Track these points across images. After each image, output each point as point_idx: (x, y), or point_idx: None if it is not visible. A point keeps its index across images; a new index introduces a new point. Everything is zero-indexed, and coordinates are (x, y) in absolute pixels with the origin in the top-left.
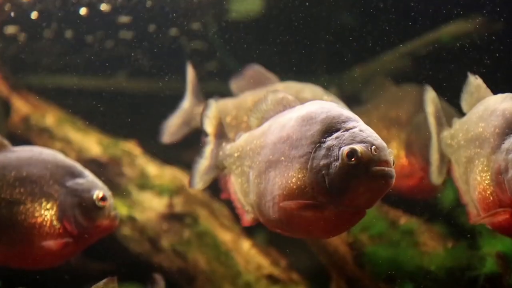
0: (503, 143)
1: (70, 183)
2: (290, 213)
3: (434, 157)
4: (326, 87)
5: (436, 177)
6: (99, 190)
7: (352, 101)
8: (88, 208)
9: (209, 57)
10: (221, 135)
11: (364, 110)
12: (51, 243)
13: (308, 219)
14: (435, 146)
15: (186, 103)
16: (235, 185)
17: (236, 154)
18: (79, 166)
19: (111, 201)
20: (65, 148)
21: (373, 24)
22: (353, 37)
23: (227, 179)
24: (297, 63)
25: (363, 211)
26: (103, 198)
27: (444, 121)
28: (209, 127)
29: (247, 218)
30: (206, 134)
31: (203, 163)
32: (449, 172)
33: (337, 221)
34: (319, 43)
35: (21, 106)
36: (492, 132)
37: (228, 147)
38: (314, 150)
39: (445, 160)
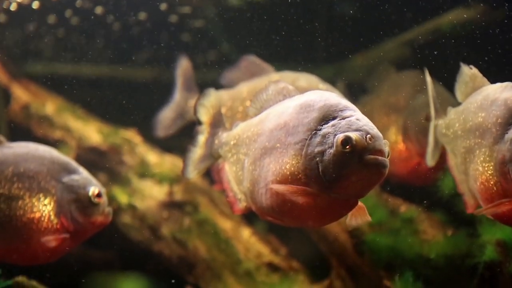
0: (507, 133)
1: (66, 179)
2: (282, 200)
3: (430, 140)
4: (328, 76)
5: (429, 160)
6: (95, 187)
7: (354, 89)
8: (84, 204)
9: (208, 46)
10: (217, 124)
11: (370, 99)
12: (50, 239)
13: (299, 207)
14: (433, 130)
15: (178, 96)
16: (229, 174)
17: (232, 142)
18: (73, 163)
19: (105, 197)
20: (65, 136)
21: (373, 12)
22: (354, 25)
23: (221, 169)
24: (298, 52)
25: (355, 200)
26: (99, 195)
27: (439, 108)
28: (205, 115)
29: (239, 207)
30: (200, 123)
31: (197, 151)
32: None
33: (328, 209)
34: (319, 32)
35: (21, 94)
36: (494, 122)
37: (224, 136)
38: (309, 137)
39: (438, 146)
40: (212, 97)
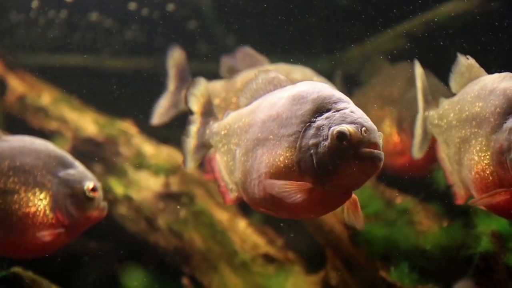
0: (505, 122)
1: (62, 173)
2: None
3: (418, 132)
4: (324, 68)
5: (416, 152)
6: (90, 181)
7: (350, 81)
8: (80, 199)
9: (203, 36)
10: (209, 113)
11: (364, 91)
12: (45, 234)
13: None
14: (420, 122)
15: (171, 86)
16: (220, 164)
17: (223, 132)
18: (69, 156)
19: (100, 192)
20: (61, 127)
21: (370, 3)
22: (350, 17)
23: (212, 159)
24: (294, 43)
25: (349, 192)
26: (94, 189)
27: (430, 99)
28: (196, 105)
29: (230, 197)
30: (191, 113)
31: (191, 142)
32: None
33: (322, 201)
34: (316, 23)
35: (16, 85)
36: (492, 112)
37: (215, 125)
38: (303, 129)
39: (427, 137)
40: (202, 86)
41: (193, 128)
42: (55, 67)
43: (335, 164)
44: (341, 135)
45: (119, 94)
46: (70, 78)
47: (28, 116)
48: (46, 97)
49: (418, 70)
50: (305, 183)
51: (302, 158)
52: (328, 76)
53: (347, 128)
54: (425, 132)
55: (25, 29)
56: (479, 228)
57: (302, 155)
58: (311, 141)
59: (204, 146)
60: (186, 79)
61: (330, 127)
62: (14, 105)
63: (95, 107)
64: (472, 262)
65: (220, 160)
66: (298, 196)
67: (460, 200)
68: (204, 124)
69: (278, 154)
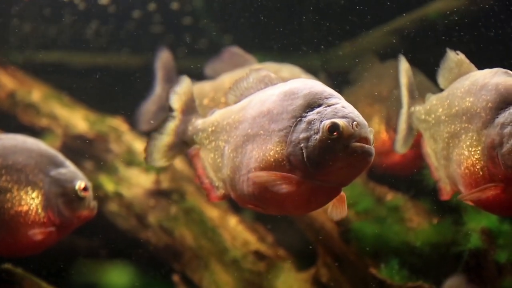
0: (497, 117)
1: (53, 172)
2: (264, 187)
3: (402, 127)
4: (314, 65)
5: (400, 147)
6: (81, 181)
7: (339, 79)
8: (71, 198)
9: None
10: (190, 111)
11: (353, 89)
12: (37, 232)
13: (282, 194)
14: (404, 117)
15: (158, 88)
16: (205, 161)
17: (210, 129)
18: (60, 156)
19: (91, 191)
20: (52, 124)
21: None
22: (339, 14)
23: (194, 156)
24: (283, 41)
25: (339, 188)
26: (85, 189)
27: (416, 94)
28: (177, 102)
29: (216, 194)
30: (171, 110)
31: (164, 139)
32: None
33: (312, 197)
34: (306, 20)
35: (7, 81)
36: (484, 107)
37: (199, 122)
38: (294, 124)
39: (412, 133)
40: (184, 84)
41: (171, 125)
42: (45, 64)
43: (325, 158)
44: (332, 128)
45: (109, 90)
46: (61, 75)
47: (18, 112)
48: (36, 93)
49: (403, 65)
50: (292, 175)
51: (293, 152)
52: (315, 74)
53: (339, 121)
54: (410, 127)
55: (14, 25)
56: (468, 225)
57: (292, 149)
58: (302, 135)
59: (184, 143)
60: (173, 82)
61: (322, 121)
62: (4, 102)
63: (85, 104)
64: (462, 259)
65: (205, 157)
66: (284, 187)
67: (445, 195)
68: (185, 121)
69: (269, 148)
